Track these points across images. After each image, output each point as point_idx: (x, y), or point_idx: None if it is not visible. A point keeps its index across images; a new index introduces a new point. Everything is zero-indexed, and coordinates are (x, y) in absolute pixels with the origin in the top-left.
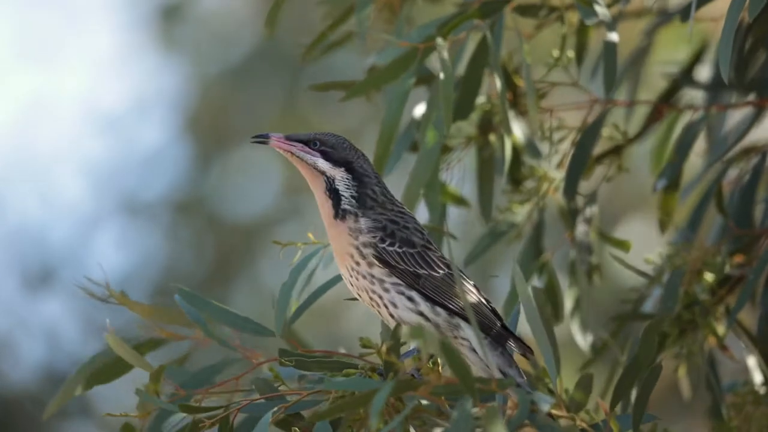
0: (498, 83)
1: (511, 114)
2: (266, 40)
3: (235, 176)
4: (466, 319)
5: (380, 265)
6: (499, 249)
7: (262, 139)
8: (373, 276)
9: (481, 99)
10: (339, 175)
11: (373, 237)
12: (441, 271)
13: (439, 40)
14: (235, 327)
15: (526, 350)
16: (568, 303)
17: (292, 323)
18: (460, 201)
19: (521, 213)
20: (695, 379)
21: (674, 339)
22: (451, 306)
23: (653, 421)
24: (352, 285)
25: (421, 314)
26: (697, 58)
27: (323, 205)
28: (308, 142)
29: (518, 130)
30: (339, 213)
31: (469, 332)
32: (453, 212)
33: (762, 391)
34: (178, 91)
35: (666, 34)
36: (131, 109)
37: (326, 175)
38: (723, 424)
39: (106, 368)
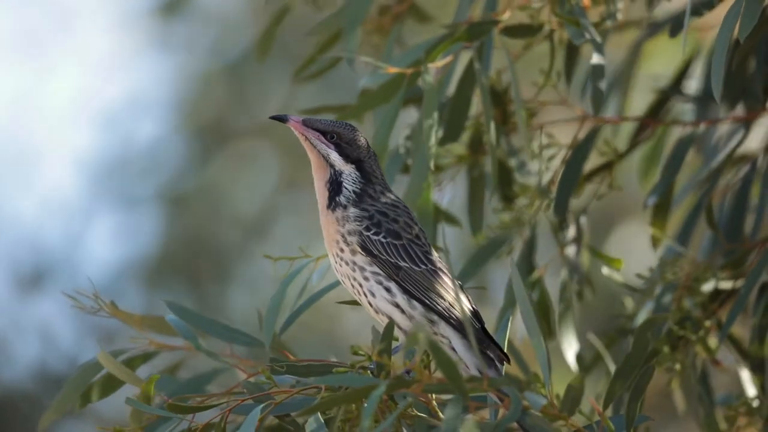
0: (485, 104)
1: (500, 133)
2: (260, 63)
3: (232, 171)
4: (443, 317)
5: (363, 253)
6: (491, 267)
7: (280, 119)
8: (355, 263)
9: (471, 119)
10: (347, 170)
11: (359, 225)
12: (423, 266)
13: (426, 66)
14: (226, 339)
15: (502, 356)
16: (560, 319)
17: (281, 335)
18: (451, 220)
19: (512, 230)
20: (688, 392)
21: (666, 356)
22: (427, 302)
23: (646, 422)
24: (337, 271)
25: (397, 306)
26: (685, 70)
27: (321, 194)
28: (325, 133)
29: (508, 148)
30: (332, 204)
31: (447, 330)
32: (446, 230)
33: (755, 403)
34: (175, 87)
35: (653, 45)
36: (129, 105)
37: (334, 168)
38: None
39: (100, 383)
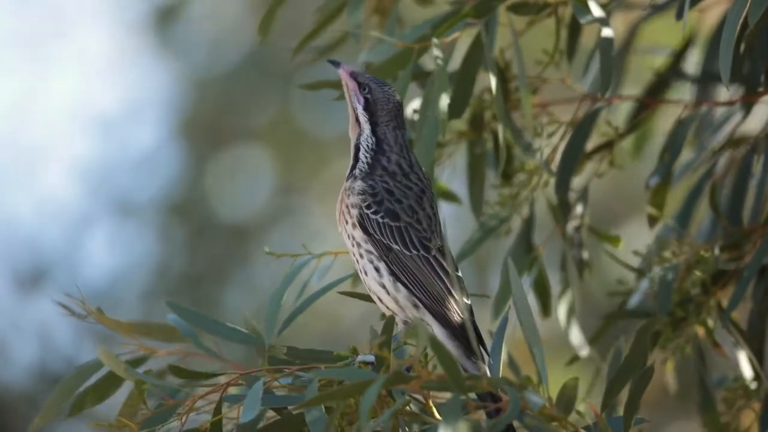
0: (493, 80)
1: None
2: (259, 45)
3: (228, 177)
4: (425, 304)
5: (360, 230)
6: (491, 244)
7: (335, 63)
8: (353, 238)
9: (472, 96)
10: (367, 131)
11: (363, 201)
12: (414, 252)
13: (435, 41)
14: (224, 337)
15: (479, 354)
16: (558, 298)
17: (281, 333)
18: (451, 197)
19: (511, 208)
20: (686, 376)
21: (668, 337)
22: (411, 286)
23: (642, 424)
24: (346, 242)
25: (383, 287)
26: (684, 50)
27: (351, 159)
28: (361, 85)
29: (509, 125)
30: (351, 174)
31: (429, 317)
32: (445, 208)
33: (753, 386)
34: (172, 93)
35: (652, 25)
36: (125, 111)
37: (360, 126)
38: (715, 417)
39: (94, 389)
